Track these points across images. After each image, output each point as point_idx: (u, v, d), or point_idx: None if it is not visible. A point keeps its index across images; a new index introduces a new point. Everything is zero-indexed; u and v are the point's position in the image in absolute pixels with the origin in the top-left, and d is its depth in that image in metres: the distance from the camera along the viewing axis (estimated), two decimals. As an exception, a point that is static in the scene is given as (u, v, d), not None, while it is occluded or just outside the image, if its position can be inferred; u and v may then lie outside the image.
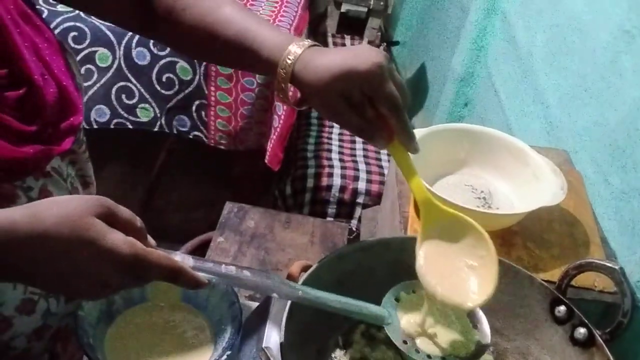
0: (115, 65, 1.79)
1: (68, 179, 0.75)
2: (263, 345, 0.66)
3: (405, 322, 0.65)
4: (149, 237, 0.55)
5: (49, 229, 0.48)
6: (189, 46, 0.80)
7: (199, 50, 0.78)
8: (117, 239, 0.50)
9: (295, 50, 0.65)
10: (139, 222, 0.54)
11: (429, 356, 0.63)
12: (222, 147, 1.93)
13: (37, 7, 0.75)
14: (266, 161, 1.87)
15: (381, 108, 0.64)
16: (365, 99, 0.64)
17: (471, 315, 0.67)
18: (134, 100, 1.84)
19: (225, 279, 0.58)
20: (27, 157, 0.64)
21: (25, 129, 0.64)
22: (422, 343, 0.64)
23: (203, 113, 1.88)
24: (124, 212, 0.53)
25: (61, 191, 0.71)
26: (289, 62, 0.65)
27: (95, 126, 1.83)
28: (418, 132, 0.96)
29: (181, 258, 0.55)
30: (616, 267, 0.67)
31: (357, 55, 0.63)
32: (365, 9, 2.80)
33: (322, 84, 0.63)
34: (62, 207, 0.49)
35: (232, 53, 0.72)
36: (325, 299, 0.63)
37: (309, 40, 0.67)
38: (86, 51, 1.75)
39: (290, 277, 0.88)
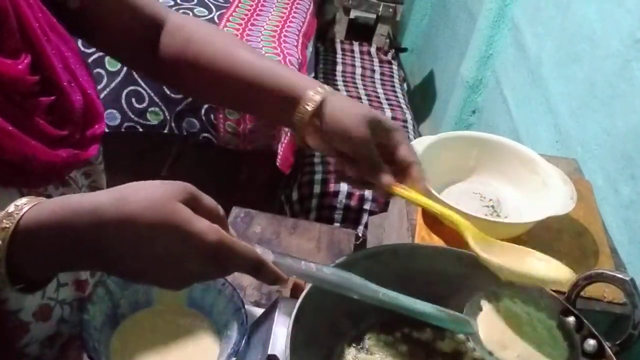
0: (124, 70, 1.80)
1: (82, 189, 0.75)
2: (269, 353, 0.65)
3: (486, 331, 0.63)
4: (230, 228, 0.54)
5: (136, 212, 0.47)
6: (203, 91, 0.81)
7: (215, 95, 0.80)
8: (203, 225, 0.49)
9: (318, 93, 0.69)
10: (221, 211, 0.53)
11: None
12: (232, 147, 1.93)
13: None
14: (278, 164, 1.87)
15: (407, 157, 0.69)
16: (380, 146, 0.69)
17: (562, 327, 0.65)
18: (144, 104, 1.85)
19: (305, 276, 0.57)
20: (61, 161, 0.65)
21: (58, 134, 0.65)
22: (506, 354, 0.62)
23: (212, 116, 1.88)
24: (208, 199, 0.52)
25: None
26: (311, 104, 0.68)
27: (107, 130, 1.84)
28: (427, 140, 0.96)
29: (261, 251, 0.54)
30: (627, 279, 0.66)
31: (378, 113, 0.70)
32: (374, 16, 2.80)
33: (354, 127, 0.67)
34: (148, 192, 0.48)
35: (251, 94, 0.73)
36: (408, 304, 0.61)
37: (327, 86, 0.71)
38: (95, 55, 1.76)
39: (296, 287, 0.88)
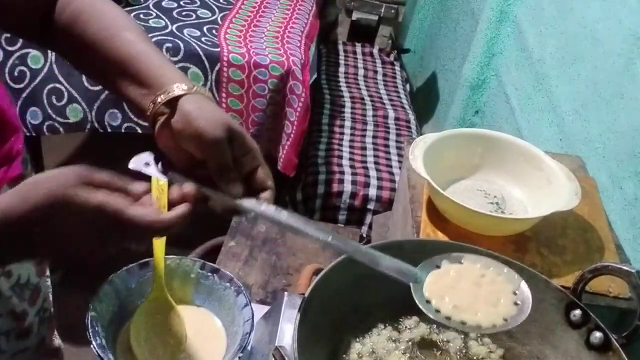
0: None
1: None
2: (276, 344, 0.66)
3: (431, 284, 0.65)
4: (152, 197, 0.57)
5: (39, 206, 0.52)
6: (85, 62, 0.76)
7: (97, 75, 0.76)
8: (100, 198, 0.53)
9: (181, 89, 0.65)
10: (119, 181, 0.56)
11: (448, 318, 0.62)
12: None
13: None
14: (279, 168, 1.87)
15: (264, 181, 0.67)
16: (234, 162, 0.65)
17: (518, 292, 0.66)
18: (145, 106, 1.85)
19: (263, 217, 0.62)
20: None
21: None
22: (443, 303, 0.63)
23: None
24: (102, 175, 0.55)
25: None
26: (165, 95, 0.64)
27: (109, 130, 1.85)
28: (431, 137, 0.96)
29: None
30: (633, 271, 0.66)
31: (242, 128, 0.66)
32: (376, 17, 2.81)
33: (209, 128, 0.62)
34: (45, 186, 0.53)
35: (121, 74, 0.70)
36: (354, 248, 0.63)
37: (202, 88, 0.67)
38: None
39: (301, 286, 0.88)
